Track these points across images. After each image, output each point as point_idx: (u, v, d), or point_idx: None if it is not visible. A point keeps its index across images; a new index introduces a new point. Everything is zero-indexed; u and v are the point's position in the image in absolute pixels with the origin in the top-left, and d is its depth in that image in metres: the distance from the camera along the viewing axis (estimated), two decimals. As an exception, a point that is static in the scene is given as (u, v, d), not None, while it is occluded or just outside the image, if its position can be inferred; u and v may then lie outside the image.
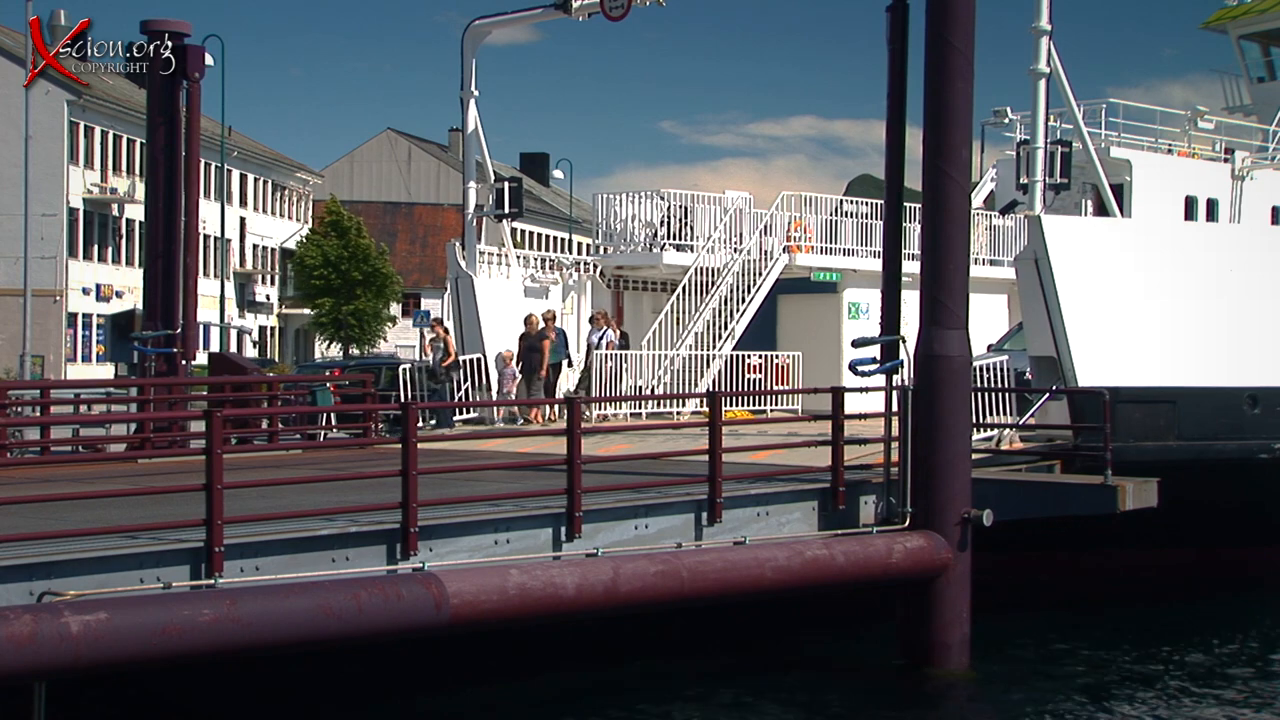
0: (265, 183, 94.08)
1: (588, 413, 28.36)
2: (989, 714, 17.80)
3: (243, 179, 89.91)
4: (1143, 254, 23.71)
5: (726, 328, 30.79)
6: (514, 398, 28.67)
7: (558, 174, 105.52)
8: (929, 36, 18.75)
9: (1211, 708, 18.13)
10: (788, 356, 31.66)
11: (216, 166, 68.32)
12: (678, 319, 31.02)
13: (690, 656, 19.25)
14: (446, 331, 29.91)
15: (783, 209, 32.57)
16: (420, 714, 17.36)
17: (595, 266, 32.84)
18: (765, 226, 32.13)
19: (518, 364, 29.20)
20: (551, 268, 32.39)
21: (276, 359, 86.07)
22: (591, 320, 30.18)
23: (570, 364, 29.89)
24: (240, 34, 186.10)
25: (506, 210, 30.85)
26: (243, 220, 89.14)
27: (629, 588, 15.61)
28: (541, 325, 29.23)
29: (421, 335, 74.67)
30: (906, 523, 18.52)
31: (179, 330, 24.52)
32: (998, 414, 23.14)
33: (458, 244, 30.94)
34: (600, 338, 29.42)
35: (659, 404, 29.62)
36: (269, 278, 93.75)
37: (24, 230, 56.03)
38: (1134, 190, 26.76)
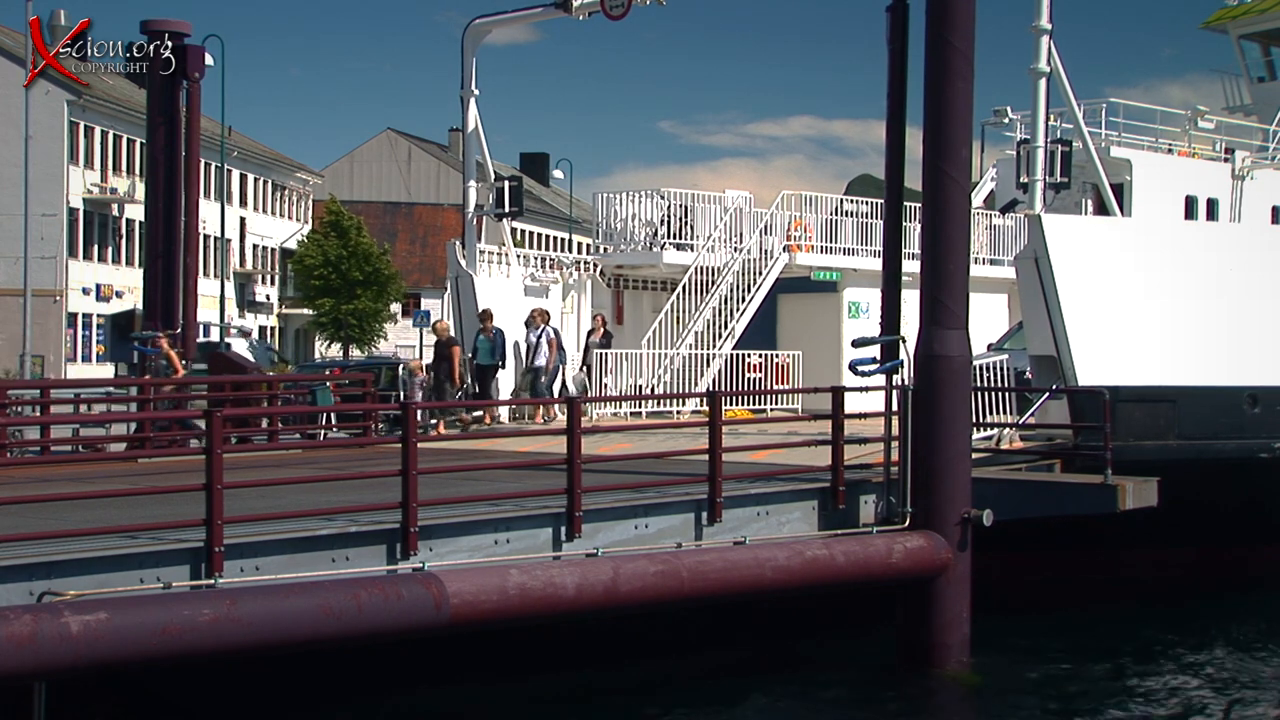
0: (265, 183, 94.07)
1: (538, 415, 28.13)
2: (989, 715, 17.79)
3: (243, 179, 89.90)
4: (1143, 253, 23.70)
5: (726, 327, 30.80)
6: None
7: (558, 174, 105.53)
8: (929, 36, 18.75)
9: (1212, 707, 18.13)
10: (788, 356, 31.67)
11: (216, 166, 68.29)
12: (678, 318, 31.02)
13: (690, 656, 19.24)
14: (172, 344, 25.11)
15: (783, 208, 32.59)
16: (420, 714, 17.36)
17: (595, 266, 32.84)
18: (765, 226, 32.14)
19: (429, 372, 28.51)
20: (552, 267, 32.38)
21: (277, 359, 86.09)
22: (528, 319, 29.30)
23: (503, 365, 28.80)
24: (240, 34, 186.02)
25: (506, 209, 30.83)
26: (243, 220, 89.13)
27: (629, 588, 15.61)
28: (451, 332, 28.47)
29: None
30: (906, 523, 18.52)
31: (179, 330, 24.55)
32: (998, 413, 23.14)
33: (458, 243, 30.92)
34: (538, 336, 28.76)
35: (659, 403, 29.60)
36: (269, 278, 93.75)
37: (24, 230, 56.02)
38: (1134, 190, 26.74)
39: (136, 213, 66.45)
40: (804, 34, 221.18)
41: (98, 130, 74.18)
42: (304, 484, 17.07)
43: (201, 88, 24.69)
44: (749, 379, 30.92)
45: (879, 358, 19.91)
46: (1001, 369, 24.26)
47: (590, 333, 30.27)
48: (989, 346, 27.99)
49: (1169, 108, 30.48)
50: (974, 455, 19.26)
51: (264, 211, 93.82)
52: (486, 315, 28.82)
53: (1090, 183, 25.34)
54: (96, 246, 74.70)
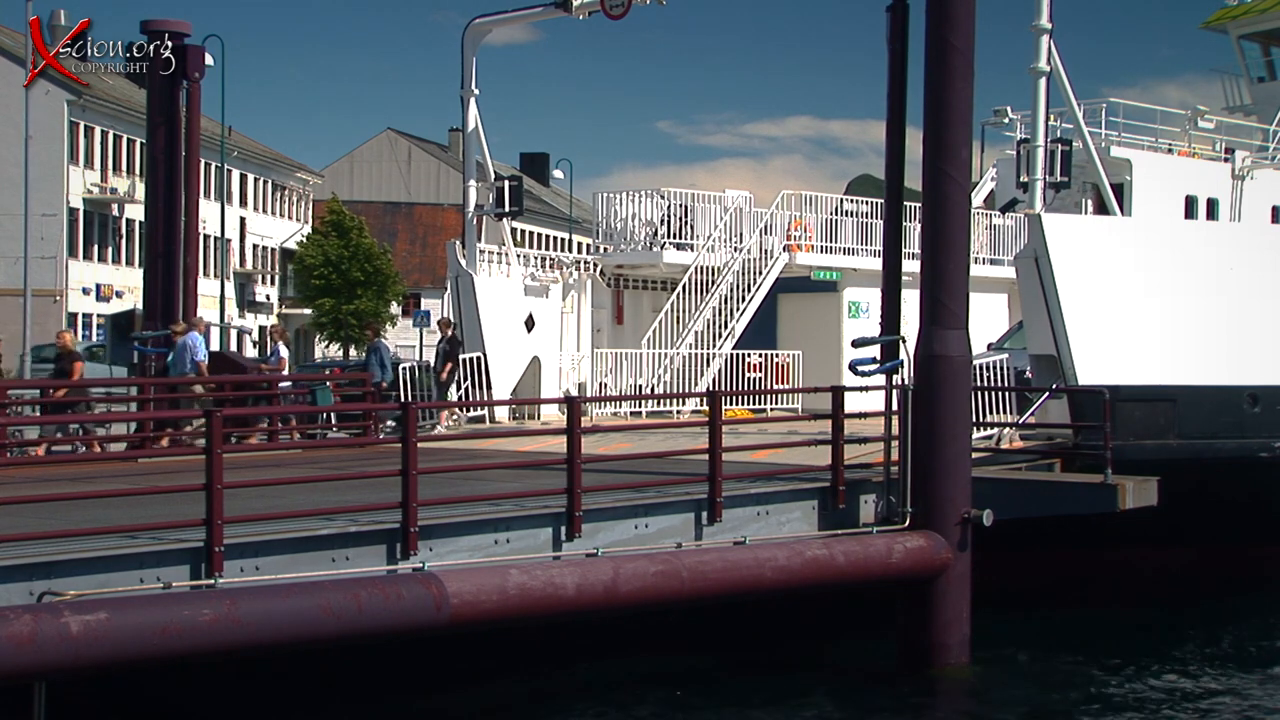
0: (265, 183, 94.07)
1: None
2: (989, 715, 17.78)
3: (243, 179, 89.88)
4: (1143, 253, 23.70)
5: (726, 326, 30.81)
6: None
7: (558, 174, 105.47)
8: (929, 36, 18.75)
9: (1212, 708, 18.12)
10: (788, 355, 31.68)
11: (216, 166, 68.26)
12: (678, 318, 31.04)
13: (690, 656, 19.23)
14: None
15: (783, 208, 32.61)
16: (420, 714, 17.36)
17: (595, 266, 32.84)
18: (765, 225, 32.16)
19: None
20: (552, 267, 32.38)
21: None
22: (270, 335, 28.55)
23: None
24: (240, 34, 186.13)
25: (506, 209, 30.81)
26: (243, 220, 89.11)
27: (629, 588, 15.61)
28: (72, 345, 26.93)
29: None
30: (906, 522, 18.51)
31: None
32: (998, 413, 23.14)
33: (458, 243, 30.91)
34: (272, 354, 27.82)
35: (659, 403, 29.60)
36: (269, 278, 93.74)
37: (24, 230, 55.95)
38: (1134, 189, 26.75)
39: (136, 213, 66.48)
40: (802, 34, 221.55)
41: (98, 130, 74.16)
42: (304, 484, 17.08)
43: (201, 88, 24.69)
44: (749, 379, 30.93)
45: (879, 358, 19.91)
46: (1001, 369, 24.25)
47: (440, 340, 29.26)
48: (989, 346, 27.99)
49: (1168, 108, 30.52)
50: (974, 455, 19.25)
51: (264, 211, 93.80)
52: (191, 324, 28.16)
53: (1090, 182, 25.34)
54: (96, 246, 74.69)
